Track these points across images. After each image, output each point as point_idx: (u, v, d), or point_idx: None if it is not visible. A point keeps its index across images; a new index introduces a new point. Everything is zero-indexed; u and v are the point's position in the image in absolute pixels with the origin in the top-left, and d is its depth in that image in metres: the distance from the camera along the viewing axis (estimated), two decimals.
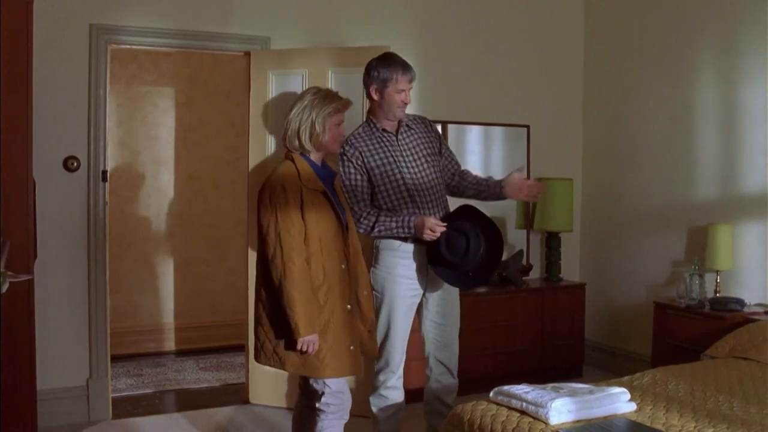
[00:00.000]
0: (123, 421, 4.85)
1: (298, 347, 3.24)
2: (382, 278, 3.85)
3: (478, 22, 5.88)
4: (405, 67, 3.81)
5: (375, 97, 3.83)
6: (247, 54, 5.10)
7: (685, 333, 4.82)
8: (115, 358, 5.42)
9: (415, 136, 3.95)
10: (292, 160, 3.43)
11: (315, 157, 3.49)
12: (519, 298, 5.62)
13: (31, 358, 3.47)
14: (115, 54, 5.64)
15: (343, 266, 3.42)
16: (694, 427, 2.93)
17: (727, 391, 3.44)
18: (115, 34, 4.81)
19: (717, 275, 4.98)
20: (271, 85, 4.98)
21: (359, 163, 3.80)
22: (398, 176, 3.81)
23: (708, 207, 5.20)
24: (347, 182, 3.79)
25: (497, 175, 6.05)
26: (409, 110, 5.63)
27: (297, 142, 3.43)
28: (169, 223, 6.83)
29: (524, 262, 5.97)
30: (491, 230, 3.79)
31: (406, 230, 3.73)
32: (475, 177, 4.10)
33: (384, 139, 3.86)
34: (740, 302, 4.76)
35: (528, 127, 6.06)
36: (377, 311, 3.85)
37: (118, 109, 6.50)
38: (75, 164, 4.73)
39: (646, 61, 5.72)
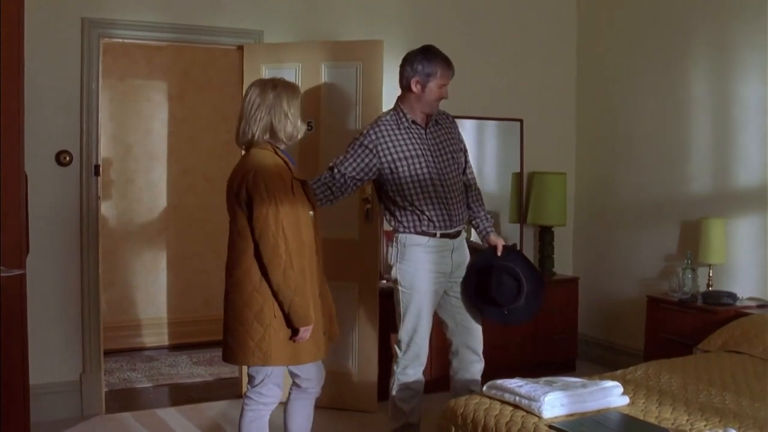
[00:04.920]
0: (116, 415, 4.84)
1: (302, 335, 3.25)
2: (410, 274, 3.87)
3: (471, 16, 5.87)
4: (448, 62, 3.87)
5: (415, 89, 3.84)
6: (240, 48, 5.09)
7: (677, 327, 4.83)
8: (108, 353, 5.41)
9: (442, 131, 3.99)
10: (274, 151, 3.35)
11: (283, 147, 3.45)
12: None
13: (23, 353, 3.45)
14: (108, 48, 5.62)
15: (315, 255, 3.40)
16: (687, 420, 2.94)
17: (720, 385, 3.45)
18: (107, 28, 4.79)
19: (710, 269, 4.99)
20: None
21: (375, 150, 3.81)
22: (425, 170, 3.83)
23: (701, 201, 5.21)
24: (352, 160, 3.80)
25: (491, 170, 6.08)
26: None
27: (267, 137, 3.34)
28: (162, 218, 6.82)
29: None
30: (535, 276, 3.99)
31: None
32: (474, 208, 4.13)
33: (413, 131, 3.88)
34: (733, 296, 4.77)
35: (521, 121, 6.05)
36: (405, 306, 3.89)
37: (111, 103, 6.48)
38: (67, 158, 4.71)
39: (640, 55, 5.72)
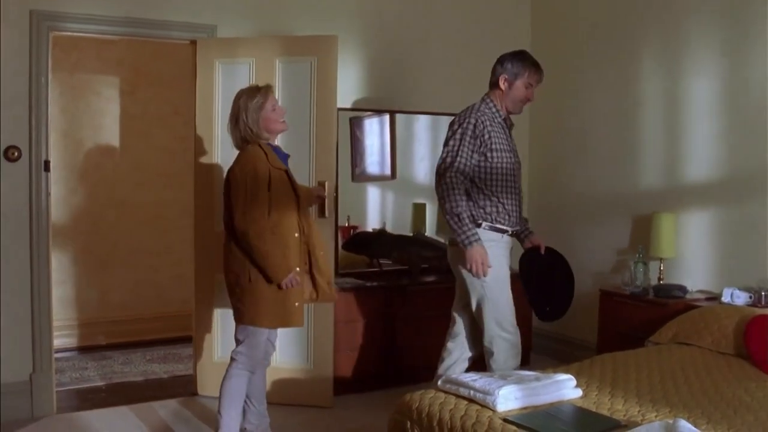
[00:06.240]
0: (68, 415, 4.77)
1: (285, 285, 3.75)
2: (494, 268, 3.97)
3: (426, 11, 5.88)
4: (537, 65, 4.11)
5: (503, 86, 4.07)
6: (193, 42, 5.03)
7: (629, 320, 4.90)
8: (59, 352, 5.33)
9: (513, 134, 4.21)
10: (259, 146, 3.84)
11: (272, 141, 3.97)
12: None
13: None
14: (57, 41, 5.52)
15: (296, 235, 3.86)
16: (638, 411, 2.98)
17: (670, 377, 3.51)
18: (56, 20, 4.69)
19: (661, 263, 5.07)
20: (217, 74, 4.92)
21: (482, 137, 3.94)
22: (509, 164, 4.02)
23: (652, 196, 5.29)
24: (467, 151, 3.92)
25: None
26: (365, 99, 5.62)
27: (251, 134, 3.84)
28: (114, 214, 6.72)
29: None
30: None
31: (462, 240, 3.87)
32: None
33: (503, 126, 4.08)
34: (683, 289, 4.85)
35: None
36: (496, 298, 4.00)
37: (61, 97, 6.37)
38: (16, 154, 4.61)
39: (592, 52, 5.79)
